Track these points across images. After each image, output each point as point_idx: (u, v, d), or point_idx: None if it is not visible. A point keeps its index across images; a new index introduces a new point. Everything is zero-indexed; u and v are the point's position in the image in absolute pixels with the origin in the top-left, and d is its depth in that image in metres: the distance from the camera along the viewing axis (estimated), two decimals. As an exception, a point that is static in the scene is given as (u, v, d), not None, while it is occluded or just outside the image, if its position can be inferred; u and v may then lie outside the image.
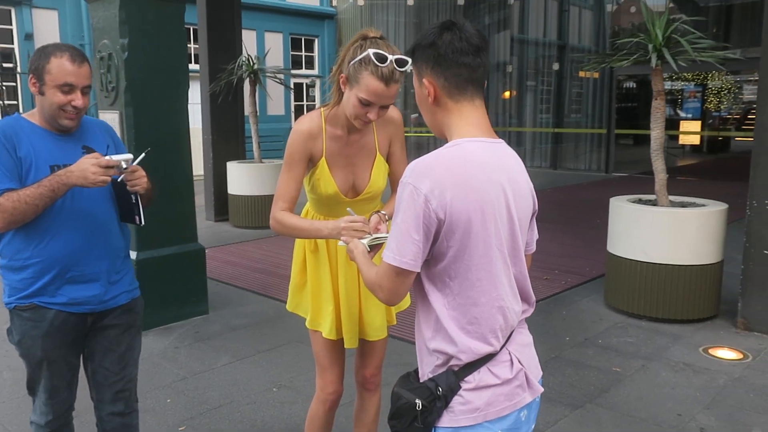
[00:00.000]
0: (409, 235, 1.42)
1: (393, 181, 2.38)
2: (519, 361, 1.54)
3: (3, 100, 11.55)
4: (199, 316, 4.86)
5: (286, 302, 2.55)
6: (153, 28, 4.41)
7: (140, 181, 2.16)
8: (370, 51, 2.01)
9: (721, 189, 9.84)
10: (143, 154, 2.21)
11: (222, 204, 8.70)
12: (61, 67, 2.10)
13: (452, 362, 1.50)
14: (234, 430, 3.21)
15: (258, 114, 8.62)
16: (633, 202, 4.90)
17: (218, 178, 8.70)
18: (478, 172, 1.45)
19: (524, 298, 1.59)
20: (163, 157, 4.35)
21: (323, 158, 2.23)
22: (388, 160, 2.35)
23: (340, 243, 1.95)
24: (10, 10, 11.57)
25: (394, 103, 2.19)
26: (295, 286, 2.47)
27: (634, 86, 18.87)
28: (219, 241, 7.38)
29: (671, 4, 13.17)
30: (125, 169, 2.11)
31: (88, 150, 2.20)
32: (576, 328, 4.55)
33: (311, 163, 2.26)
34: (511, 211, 1.50)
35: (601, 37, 15.04)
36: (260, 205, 8.17)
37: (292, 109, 15.76)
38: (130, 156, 2.14)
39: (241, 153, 9.04)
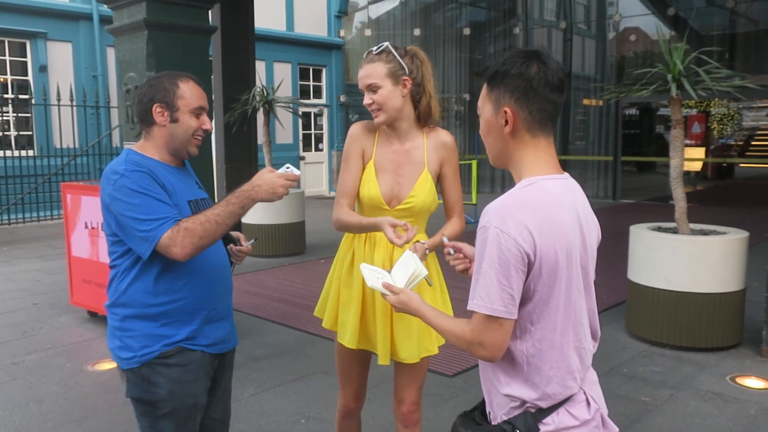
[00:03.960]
0: (499, 282, 1.35)
1: (447, 207, 2.43)
2: (594, 400, 1.50)
3: (17, 131, 11.66)
4: (221, 346, 4.84)
5: (306, 332, 2.58)
6: (179, 60, 4.49)
7: (240, 260, 2.28)
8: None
9: (728, 215, 9.86)
10: (253, 240, 2.36)
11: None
12: (192, 90, 2.03)
13: (528, 405, 1.45)
14: (266, 463, 3.19)
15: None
16: (653, 229, 4.92)
17: (231, 207, 8.74)
18: (559, 212, 1.41)
19: (592, 334, 1.56)
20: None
21: (372, 160, 2.34)
22: (441, 183, 2.39)
23: (373, 286, 1.75)
24: (25, 43, 11.74)
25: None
26: (325, 295, 2.54)
27: (638, 114, 19.03)
28: (235, 270, 7.37)
29: (672, 32, 13.34)
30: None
31: (199, 186, 2.20)
32: (600, 357, 4.52)
33: (364, 162, 2.37)
34: (587, 247, 1.48)
35: (606, 65, 15.21)
36: (274, 234, 8.20)
37: (300, 137, 15.87)
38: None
39: (254, 182, 9.09)
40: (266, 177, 1.96)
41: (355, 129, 2.40)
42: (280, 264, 7.86)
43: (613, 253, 7.10)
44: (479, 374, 1.61)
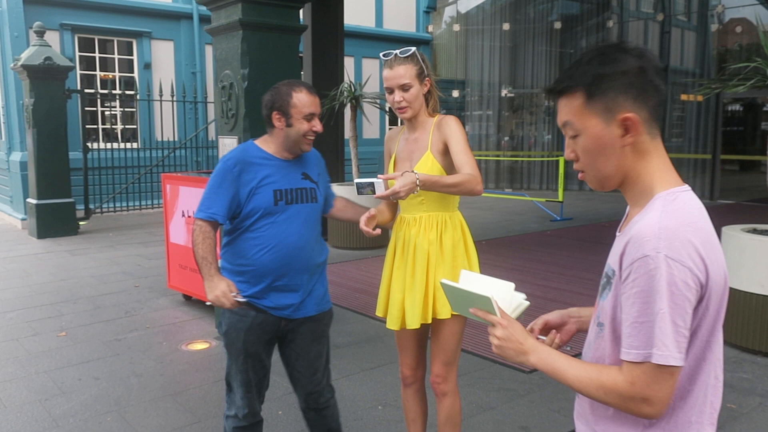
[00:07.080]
0: (674, 324, 1.12)
1: (457, 168, 2.56)
2: None
3: (123, 125, 12.46)
4: (305, 333, 5.04)
5: (385, 323, 2.77)
6: (271, 58, 4.69)
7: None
8: (380, 54, 2.62)
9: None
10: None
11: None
12: (303, 100, 2.47)
13: None
14: (343, 445, 3.32)
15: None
16: (747, 231, 4.71)
17: (318, 200, 9.00)
18: (712, 230, 1.21)
19: None
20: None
21: (395, 154, 2.75)
22: (451, 154, 2.55)
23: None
24: (132, 42, 12.52)
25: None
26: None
27: (741, 110, 18.01)
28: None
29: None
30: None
31: (305, 176, 2.61)
32: (685, 361, 4.39)
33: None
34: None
35: (705, 59, 14.48)
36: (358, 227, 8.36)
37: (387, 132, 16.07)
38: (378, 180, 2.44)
39: (340, 175, 9.32)
40: (220, 285, 2.37)
41: (387, 135, 2.87)
42: (364, 256, 8.04)
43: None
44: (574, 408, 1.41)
